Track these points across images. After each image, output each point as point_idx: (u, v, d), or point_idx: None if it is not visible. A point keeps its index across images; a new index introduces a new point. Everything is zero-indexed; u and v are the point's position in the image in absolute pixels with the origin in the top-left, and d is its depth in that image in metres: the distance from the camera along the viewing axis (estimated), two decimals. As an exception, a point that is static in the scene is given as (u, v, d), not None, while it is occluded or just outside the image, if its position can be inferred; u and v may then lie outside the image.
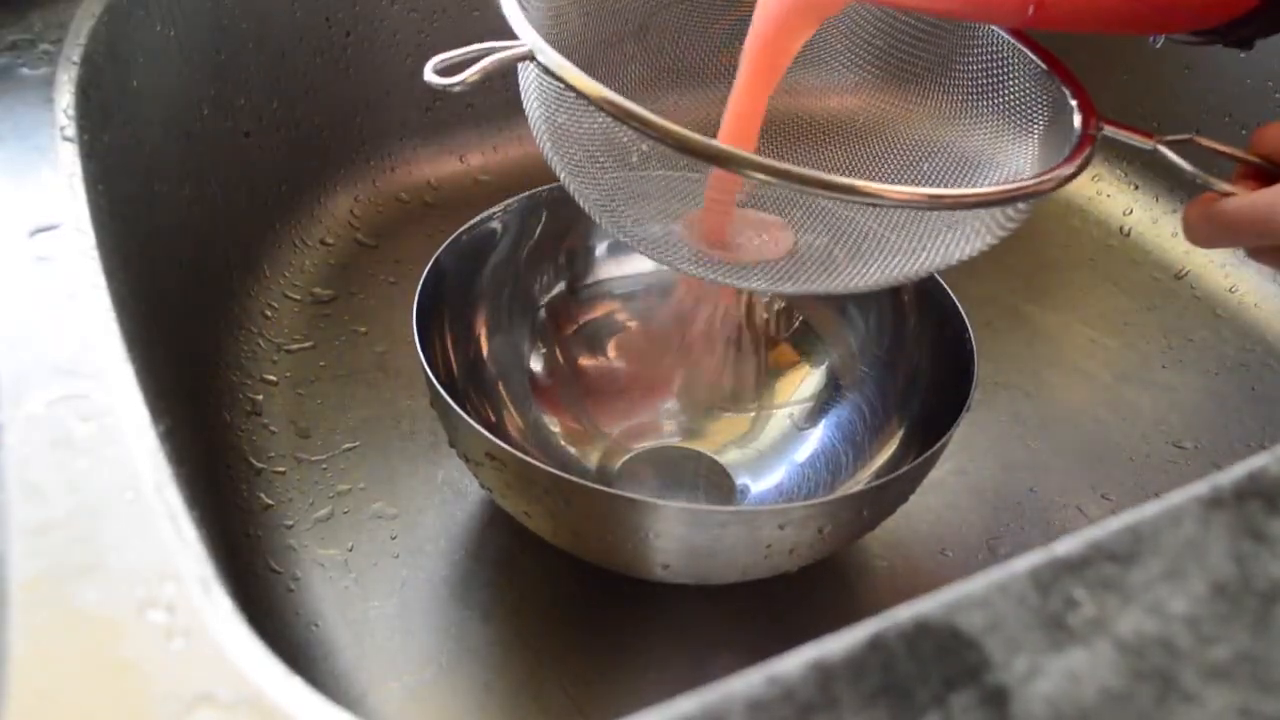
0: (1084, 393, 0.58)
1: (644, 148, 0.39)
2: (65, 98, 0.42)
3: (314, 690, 0.25)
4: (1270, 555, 0.24)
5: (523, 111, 0.41)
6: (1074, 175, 0.37)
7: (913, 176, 0.47)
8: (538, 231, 0.52)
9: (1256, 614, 0.23)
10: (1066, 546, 0.24)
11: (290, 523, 0.48)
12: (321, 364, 0.55)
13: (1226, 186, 0.40)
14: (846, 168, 0.49)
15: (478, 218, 0.49)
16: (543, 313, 0.53)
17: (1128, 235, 0.68)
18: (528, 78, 0.40)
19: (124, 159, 0.45)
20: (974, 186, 0.44)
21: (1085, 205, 0.69)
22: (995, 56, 0.44)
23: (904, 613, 0.23)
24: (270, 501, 0.48)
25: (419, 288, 0.45)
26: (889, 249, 0.38)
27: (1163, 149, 0.39)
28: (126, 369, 0.32)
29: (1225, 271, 0.64)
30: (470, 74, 0.35)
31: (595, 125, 0.38)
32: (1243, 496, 0.25)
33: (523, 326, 0.53)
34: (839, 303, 0.52)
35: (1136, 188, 0.40)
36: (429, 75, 0.35)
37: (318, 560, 0.46)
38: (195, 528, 0.28)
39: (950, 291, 0.47)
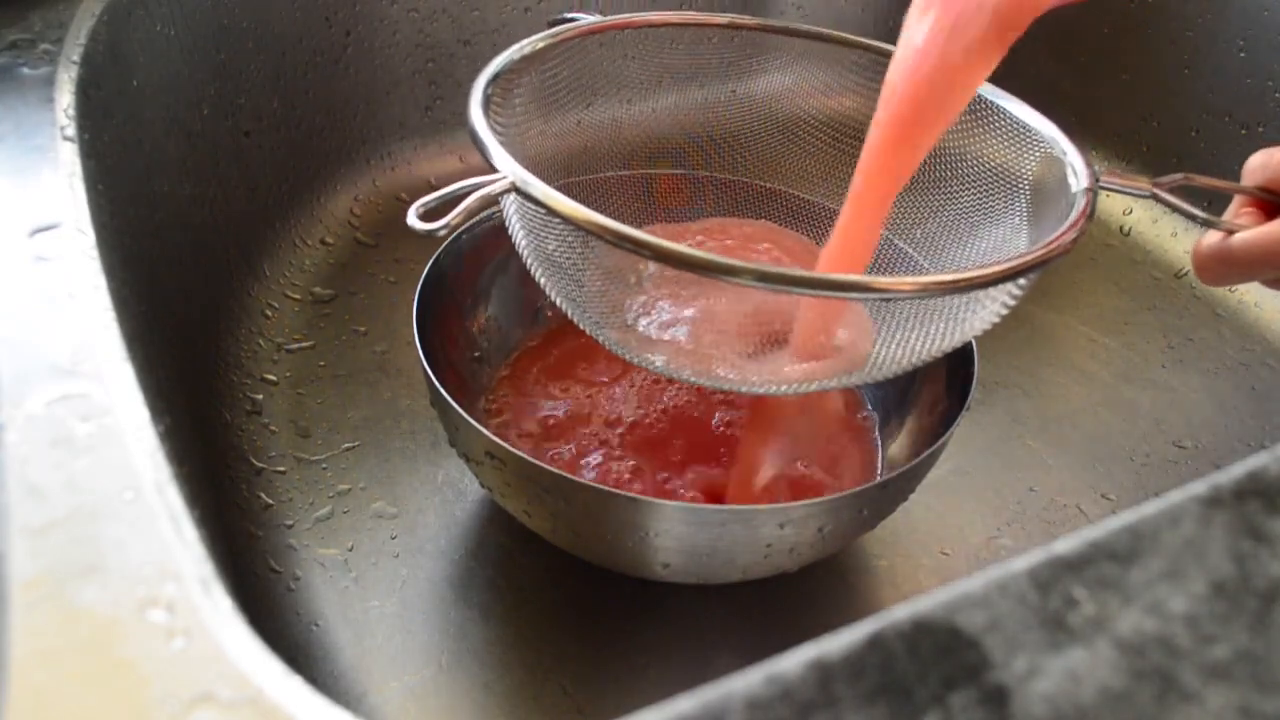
0: (1084, 393, 0.58)
1: (643, 269, 0.39)
2: (65, 97, 0.42)
3: (314, 690, 0.25)
4: (1270, 555, 0.24)
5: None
6: (1083, 232, 0.36)
7: (908, 242, 0.47)
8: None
9: (1256, 614, 0.23)
10: (1066, 546, 0.24)
11: (290, 523, 0.48)
12: (321, 364, 0.55)
13: (1232, 222, 0.39)
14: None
15: (477, 217, 0.49)
16: (543, 312, 0.53)
17: (1128, 235, 0.68)
18: (510, 208, 0.39)
19: (124, 159, 0.45)
20: (971, 251, 0.44)
21: (1085, 205, 0.69)
22: (977, 116, 0.44)
23: (903, 612, 0.23)
24: (270, 501, 0.48)
25: (419, 287, 0.45)
26: (904, 336, 0.38)
27: (1162, 194, 0.39)
28: (126, 369, 0.32)
29: (1225, 271, 0.64)
30: (454, 216, 0.33)
31: (590, 252, 0.37)
32: (1243, 496, 0.25)
33: (523, 326, 0.53)
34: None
35: (1136, 187, 0.40)
36: (412, 221, 0.33)
37: (318, 560, 0.46)
38: (195, 528, 0.28)
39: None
